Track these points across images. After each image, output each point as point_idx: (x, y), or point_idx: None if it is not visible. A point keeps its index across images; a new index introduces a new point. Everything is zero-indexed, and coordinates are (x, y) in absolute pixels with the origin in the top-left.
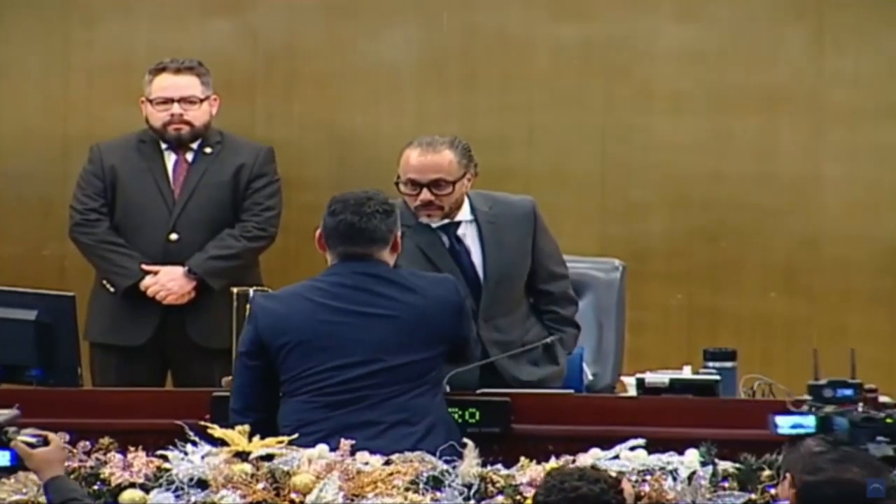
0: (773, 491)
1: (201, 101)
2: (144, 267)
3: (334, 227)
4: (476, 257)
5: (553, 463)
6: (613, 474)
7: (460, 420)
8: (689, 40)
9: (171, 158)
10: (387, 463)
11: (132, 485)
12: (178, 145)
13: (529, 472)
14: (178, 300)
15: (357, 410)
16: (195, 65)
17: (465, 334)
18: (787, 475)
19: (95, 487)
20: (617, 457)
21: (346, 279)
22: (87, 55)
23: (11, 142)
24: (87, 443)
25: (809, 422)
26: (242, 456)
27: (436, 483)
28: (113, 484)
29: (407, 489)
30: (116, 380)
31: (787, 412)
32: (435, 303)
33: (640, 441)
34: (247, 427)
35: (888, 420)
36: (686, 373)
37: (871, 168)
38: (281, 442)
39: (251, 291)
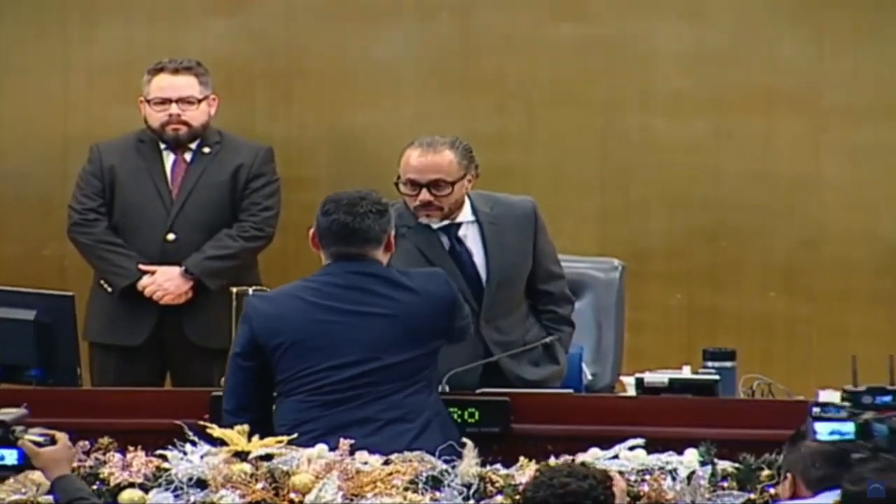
0: (772, 490)
1: (199, 101)
2: (142, 267)
3: (327, 227)
4: (478, 258)
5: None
6: (614, 473)
7: (460, 420)
8: (688, 40)
9: (169, 158)
10: (386, 462)
11: (131, 484)
12: (177, 145)
13: (529, 472)
14: (175, 300)
15: (352, 408)
16: (193, 65)
17: (459, 325)
18: (788, 475)
19: (95, 487)
20: (616, 456)
21: (339, 279)
22: (88, 55)
23: (11, 141)
24: (87, 442)
25: (848, 428)
26: (242, 456)
27: (435, 483)
28: (112, 484)
29: (406, 489)
30: (115, 379)
31: (826, 419)
32: (428, 299)
33: (640, 441)
34: (246, 427)
35: None
36: (685, 373)
37: (871, 168)
38: (280, 442)
39: (251, 291)
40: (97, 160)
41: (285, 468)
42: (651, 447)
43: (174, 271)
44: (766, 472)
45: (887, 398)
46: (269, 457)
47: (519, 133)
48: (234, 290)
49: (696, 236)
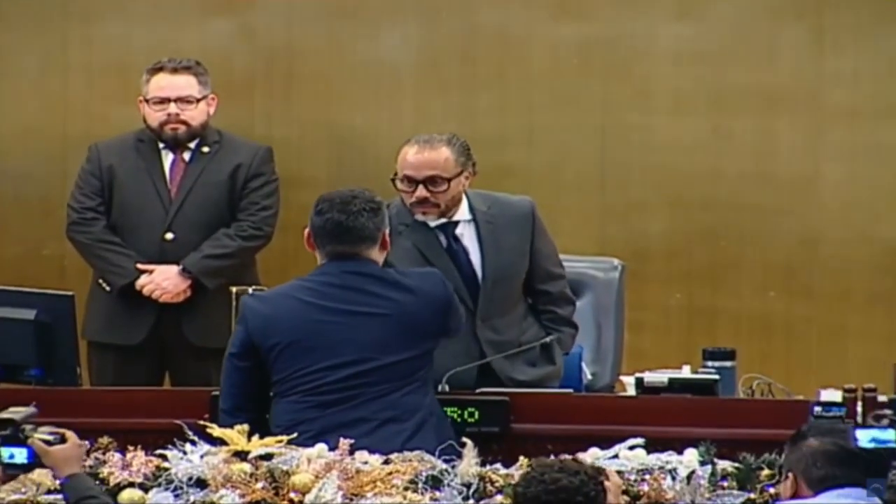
0: (771, 490)
1: (198, 100)
2: (139, 266)
3: (321, 226)
4: (474, 257)
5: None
6: (609, 470)
7: (459, 419)
8: (688, 40)
9: (168, 158)
10: (386, 462)
11: (131, 484)
12: (175, 145)
13: None
14: (173, 299)
15: (348, 409)
16: (192, 64)
17: (454, 325)
18: (790, 474)
19: None
20: (616, 456)
21: (334, 278)
22: (87, 54)
23: (11, 141)
24: (87, 442)
25: (889, 436)
26: (241, 455)
27: (435, 482)
28: (112, 483)
29: (406, 488)
30: (114, 379)
31: (867, 426)
32: (424, 299)
33: (639, 440)
34: (246, 426)
35: None
36: (685, 372)
37: (871, 168)
38: (280, 441)
39: (250, 291)
40: (96, 159)
41: (285, 468)
42: (651, 447)
43: (172, 270)
44: (765, 472)
45: None
46: (268, 456)
47: (518, 133)
48: (234, 289)
49: (696, 236)
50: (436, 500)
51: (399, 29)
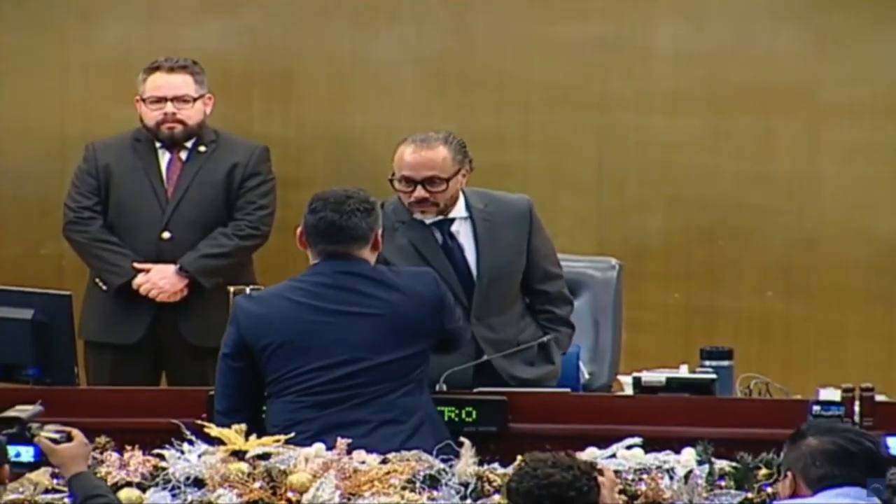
0: (769, 489)
1: (195, 99)
2: (136, 265)
3: (314, 225)
4: (470, 254)
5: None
6: (606, 467)
7: (457, 419)
8: (686, 39)
9: (165, 157)
10: (383, 462)
11: (129, 484)
12: (172, 144)
13: None
14: (170, 298)
15: (345, 410)
16: (189, 64)
17: (449, 326)
18: (788, 473)
19: None
20: (614, 455)
21: (327, 279)
22: (86, 54)
23: (9, 141)
24: None
25: None
26: (239, 455)
27: (432, 482)
28: (109, 483)
29: (403, 488)
30: (110, 378)
31: None
32: (416, 299)
33: (637, 440)
34: (244, 426)
35: None
36: (683, 372)
37: (869, 167)
38: (278, 441)
39: (247, 290)
40: (92, 159)
41: (283, 467)
42: (648, 446)
43: (169, 269)
44: (763, 472)
45: None
46: (266, 456)
47: (516, 132)
48: (231, 289)
49: (694, 235)
50: (433, 499)
51: (396, 29)
